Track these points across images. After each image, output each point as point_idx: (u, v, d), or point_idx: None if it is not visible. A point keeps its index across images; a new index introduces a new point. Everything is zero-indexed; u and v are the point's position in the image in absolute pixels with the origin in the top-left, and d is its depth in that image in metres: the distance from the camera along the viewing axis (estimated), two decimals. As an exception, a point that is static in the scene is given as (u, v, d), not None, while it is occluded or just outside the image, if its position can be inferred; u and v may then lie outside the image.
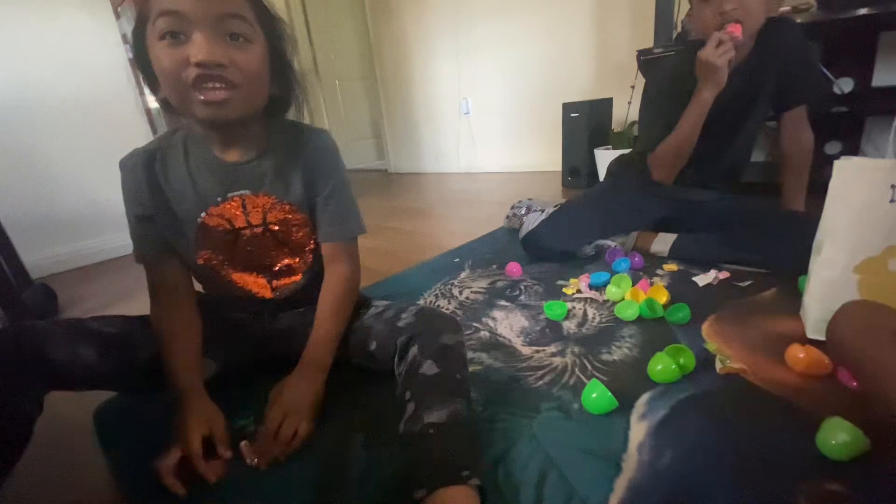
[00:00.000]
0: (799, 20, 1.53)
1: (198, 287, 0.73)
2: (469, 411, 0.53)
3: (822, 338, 0.69)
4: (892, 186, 0.66)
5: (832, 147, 1.79)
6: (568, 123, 2.13)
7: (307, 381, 0.63)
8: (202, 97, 0.52)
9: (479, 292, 1.08)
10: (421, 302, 1.06)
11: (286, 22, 0.62)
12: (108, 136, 1.73)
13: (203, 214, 0.63)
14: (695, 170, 1.10)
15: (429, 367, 0.56)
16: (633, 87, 2.07)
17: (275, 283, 0.71)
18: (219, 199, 0.63)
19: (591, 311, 0.92)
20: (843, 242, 0.69)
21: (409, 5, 3.07)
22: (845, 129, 1.74)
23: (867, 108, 1.60)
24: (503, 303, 1.01)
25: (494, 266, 1.23)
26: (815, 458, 0.50)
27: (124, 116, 1.77)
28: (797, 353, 0.64)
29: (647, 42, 1.87)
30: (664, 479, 0.50)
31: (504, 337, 0.86)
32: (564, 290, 1.03)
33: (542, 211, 1.27)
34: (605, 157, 2.01)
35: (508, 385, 0.71)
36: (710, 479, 0.49)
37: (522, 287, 1.08)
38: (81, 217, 1.72)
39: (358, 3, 3.50)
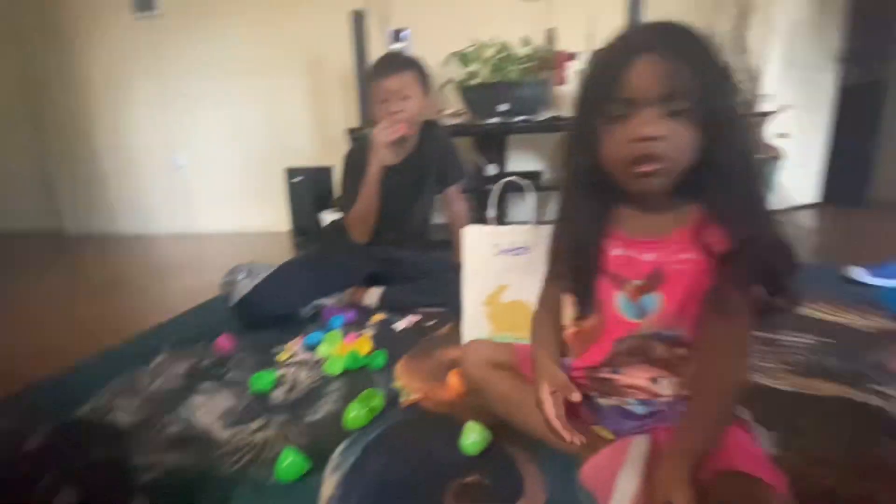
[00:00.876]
0: (456, 122, 2.08)
1: None
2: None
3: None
4: (496, 244, 0.95)
5: (491, 212, 2.45)
6: (293, 187, 2.18)
7: None
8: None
9: (176, 378, 0.93)
10: (87, 408, 0.83)
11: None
12: None
13: None
14: (389, 233, 1.32)
15: (66, 496, 0.44)
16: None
17: None
18: None
19: (302, 374, 0.93)
20: (474, 285, 0.95)
21: (88, 42, 2.58)
22: (501, 199, 2.43)
23: (506, 185, 2.29)
24: (207, 384, 0.90)
25: (202, 343, 1.10)
26: (459, 458, 0.64)
27: None
28: (453, 377, 0.82)
29: (357, 122, 2.14)
30: (347, 525, 0.54)
31: (200, 426, 0.76)
32: (278, 357, 1.01)
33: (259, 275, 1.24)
34: (329, 220, 2.13)
35: (197, 483, 0.63)
36: (385, 508, 0.56)
37: (233, 362, 1.00)
38: None
39: (10, 33, 2.70)
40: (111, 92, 2.66)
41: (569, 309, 0.61)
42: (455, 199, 1.43)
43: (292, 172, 2.17)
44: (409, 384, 0.85)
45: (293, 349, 1.03)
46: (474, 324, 0.95)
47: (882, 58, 3.34)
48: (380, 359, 0.94)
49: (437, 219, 1.51)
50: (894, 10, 3.16)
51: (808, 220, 2.53)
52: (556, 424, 0.54)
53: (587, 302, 0.56)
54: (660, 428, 0.52)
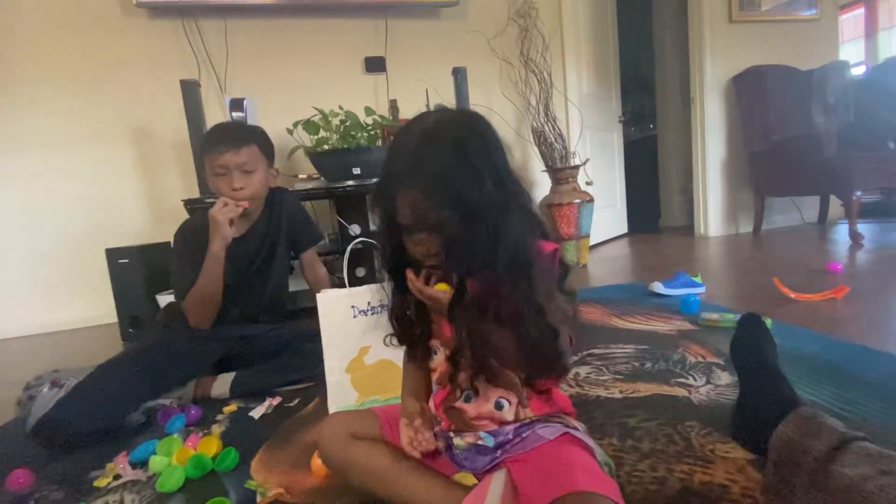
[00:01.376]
0: (311, 185, 2.07)
1: None
2: None
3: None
4: (353, 307, 0.94)
5: (360, 271, 2.43)
6: (117, 269, 1.87)
7: None
8: None
9: (-73, 552, 0.68)
10: None
11: None
12: None
13: None
14: (239, 308, 1.21)
15: None
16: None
17: None
18: None
19: (129, 498, 0.76)
20: (335, 351, 0.91)
21: None
22: (364, 259, 2.43)
23: (370, 244, 2.32)
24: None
25: (-23, 490, 0.82)
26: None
27: None
28: (316, 461, 0.75)
29: (196, 192, 1.97)
30: None
31: None
32: (97, 483, 0.81)
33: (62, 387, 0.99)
34: (165, 302, 1.87)
35: None
36: None
37: (34, 501, 0.77)
38: None
39: None
40: None
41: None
42: (314, 262, 1.40)
43: (114, 253, 1.86)
44: (266, 480, 0.76)
45: (116, 469, 0.83)
46: (340, 394, 0.90)
47: (650, 120, 4.39)
48: (230, 458, 0.81)
49: (294, 286, 1.45)
50: (652, 84, 4.22)
51: (621, 247, 3.09)
52: (408, 449, 0.58)
53: (424, 351, 0.62)
54: (510, 460, 0.56)
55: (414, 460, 0.62)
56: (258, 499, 0.70)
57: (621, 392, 0.93)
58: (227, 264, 1.17)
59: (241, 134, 1.21)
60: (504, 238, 0.51)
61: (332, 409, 0.91)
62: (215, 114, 2.11)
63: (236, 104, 1.85)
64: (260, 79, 2.33)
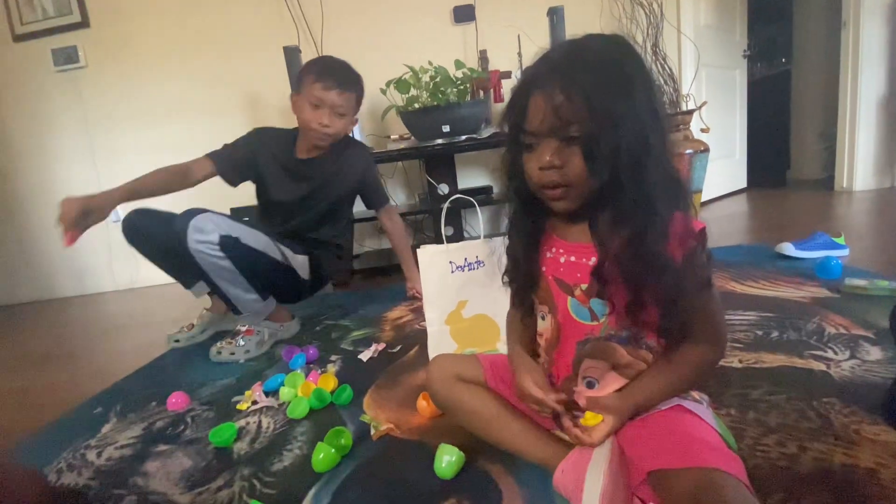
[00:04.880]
0: (403, 146, 2.11)
1: None
2: None
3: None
4: (451, 262, 0.96)
5: (448, 231, 2.47)
6: (241, 227, 2.11)
7: None
8: None
9: (128, 445, 0.87)
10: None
11: None
12: None
13: None
14: (286, 226, 1.37)
15: None
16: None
17: None
18: None
19: (265, 422, 0.88)
20: (434, 304, 0.95)
21: (7, 97, 2.44)
22: (451, 218, 2.46)
23: (458, 203, 2.33)
24: (162, 447, 0.84)
25: (154, 403, 1.03)
26: (436, 483, 0.63)
27: None
28: (421, 401, 0.81)
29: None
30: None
31: (158, 493, 0.71)
32: (239, 406, 0.96)
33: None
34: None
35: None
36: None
37: (189, 419, 0.94)
38: None
39: None
40: (38, 146, 2.50)
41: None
42: (391, 213, 1.50)
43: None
44: (377, 416, 0.83)
45: (253, 396, 0.98)
46: (439, 344, 0.94)
47: (782, 53, 3.70)
48: (345, 394, 0.91)
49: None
50: (788, 11, 3.52)
51: (738, 204, 2.73)
52: (549, 402, 0.55)
53: (527, 304, 0.60)
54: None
55: (517, 410, 0.63)
56: (372, 431, 0.78)
57: (741, 362, 0.85)
58: (280, 179, 1.32)
59: (350, 78, 1.28)
60: (654, 156, 0.45)
61: (431, 356, 0.95)
62: (314, 78, 2.21)
63: (333, 67, 1.91)
64: (354, 40, 2.37)
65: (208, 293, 1.41)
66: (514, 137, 0.52)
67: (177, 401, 0.99)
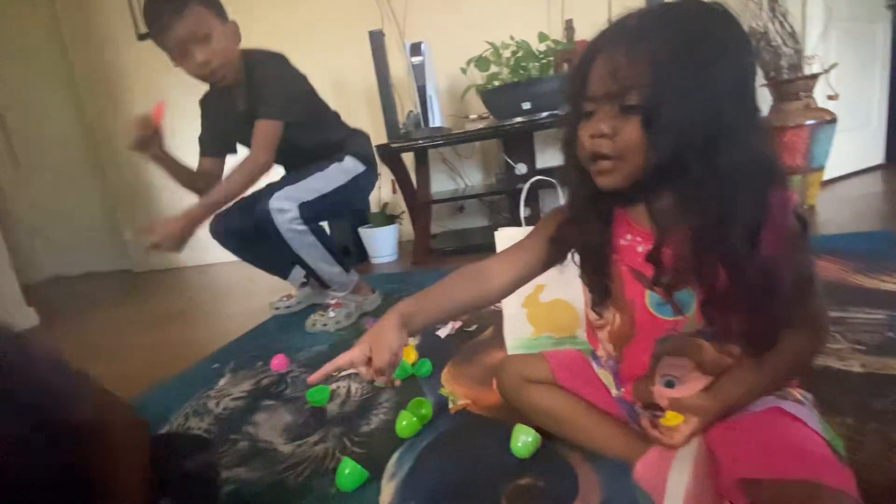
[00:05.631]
0: (481, 125, 2.09)
1: None
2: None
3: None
4: (530, 244, 0.95)
5: (526, 211, 2.43)
6: (329, 207, 2.27)
7: None
8: None
9: (240, 398, 1.00)
10: (164, 430, 0.91)
11: None
12: None
13: None
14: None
15: None
16: (379, 175, 2.37)
17: None
18: None
19: (354, 386, 0.96)
20: (512, 288, 0.95)
21: (136, 88, 2.82)
22: (529, 199, 2.40)
23: (537, 183, 2.27)
24: (268, 402, 0.96)
25: (260, 363, 1.16)
26: (512, 461, 0.65)
27: None
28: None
29: (384, 138, 2.20)
30: (407, 531, 0.56)
31: (265, 441, 0.82)
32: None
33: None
34: (368, 235, 2.20)
35: (266, 495, 0.67)
36: (442, 513, 0.58)
37: (289, 379, 1.06)
38: None
39: (65, 81, 2.98)
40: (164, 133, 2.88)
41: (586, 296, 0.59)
42: (257, 142, 1.21)
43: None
44: (455, 391, 0.87)
45: (343, 363, 1.07)
46: (515, 326, 0.95)
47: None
48: (426, 367, 0.96)
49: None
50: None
51: (871, 184, 2.33)
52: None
53: (603, 294, 0.55)
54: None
55: (591, 405, 0.62)
56: (450, 405, 0.82)
57: (864, 366, 0.75)
58: (237, 130, 1.30)
59: (170, 7, 1.07)
60: (731, 138, 0.40)
61: (507, 338, 0.97)
62: (397, 60, 2.26)
63: (415, 48, 1.94)
64: (437, 21, 2.37)
65: (304, 277, 1.53)
66: (574, 106, 0.48)
67: (279, 362, 1.11)
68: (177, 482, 0.52)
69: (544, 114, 1.96)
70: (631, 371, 0.56)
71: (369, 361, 0.53)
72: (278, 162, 1.32)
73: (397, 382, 0.55)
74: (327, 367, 0.54)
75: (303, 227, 1.23)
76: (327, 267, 1.32)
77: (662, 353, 0.52)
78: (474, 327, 1.17)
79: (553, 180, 1.01)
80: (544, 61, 1.90)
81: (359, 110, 2.57)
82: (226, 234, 1.41)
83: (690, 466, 0.47)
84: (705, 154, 0.40)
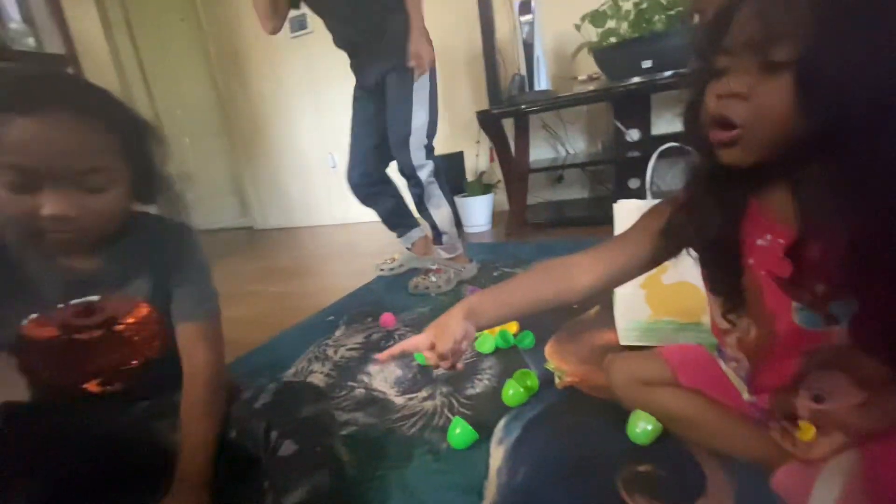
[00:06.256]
0: (591, 87, 1.94)
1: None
2: (335, 480, 0.53)
3: (629, 343, 0.87)
4: (653, 220, 0.87)
5: (633, 183, 2.24)
6: (428, 174, 2.30)
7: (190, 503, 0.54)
8: (51, 237, 0.50)
9: (355, 349, 1.09)
10: (292, 370, 1.02)
11: (150, 124, 0.58)
12: None
13: (30, 319, 0.55)
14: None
15: (287, 448, 0.55)
16: (478, 142, 2.35)
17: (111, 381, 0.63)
18: (59, 305, 0.56)
19: (457, 351, 0.99)
20: (630, 265, 0.88)
21: (259, 62, 3.07)
22: (640, 169, 2.21)
23: (649, 152, 2.07)
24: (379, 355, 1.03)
25: (370, 319, 1.25)
26: (628, 446, 0.62)
27: None
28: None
29: (485, 104, 2.15)
30: (518, 496, 0.57)
31: (379, 391, 0.88)
32: (434, 333, 1.10)
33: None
34: (463, 204, 2.21)
35: (383, 439, 0.73)
36: (553, 485, 0.58)
37: (397, 336, 1.12)
38: None
39: (200, 57, 3.36)
40: (280, 104, 3.12)
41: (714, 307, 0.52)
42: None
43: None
44: (561, 366, 0.85)
45: (446, 327, 1.10)
46: (630, 307, 0.89)
47: None
48: (528, 339, 0.95)
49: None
50: None
51: None
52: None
53: (734, 302, 0.47)
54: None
55: (721, 406, 0.56)
56: (556, 380, 0.80)
57: None
58: None
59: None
60: None
61: (619, 321, 0.91)
62: (503, 21, 2.16)
63: (524, 6, 1.84)
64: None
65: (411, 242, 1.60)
66: (705, 60, 0.40)
67: (387, 320, 1.18)
68: (297, 426, 0.57)
69: (667, 73, 1.75)
70: (767, 381, 0.49)
71: (434, 347, 0.54)
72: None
73: (460, 366, 0.54)
74: (395, 349, 0.58)
75: (434, 181, 1.35)
76: (448, 225, 1.42)
77: (812, 367, 0.44)
78: (576, 305, 1.13)
79: (689, 147, 0.90)
80: (672, 13, 1.68)
81: (459, 76, 2.53)
82: (359, 188, 1.50)
83: (841, 483, 0.41)
84: (877, 130, 0.32)
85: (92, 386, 0.62)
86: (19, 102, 0.46)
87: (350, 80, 1.75)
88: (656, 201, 0.82)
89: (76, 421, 0.61)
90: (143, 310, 0.61)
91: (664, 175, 2.13)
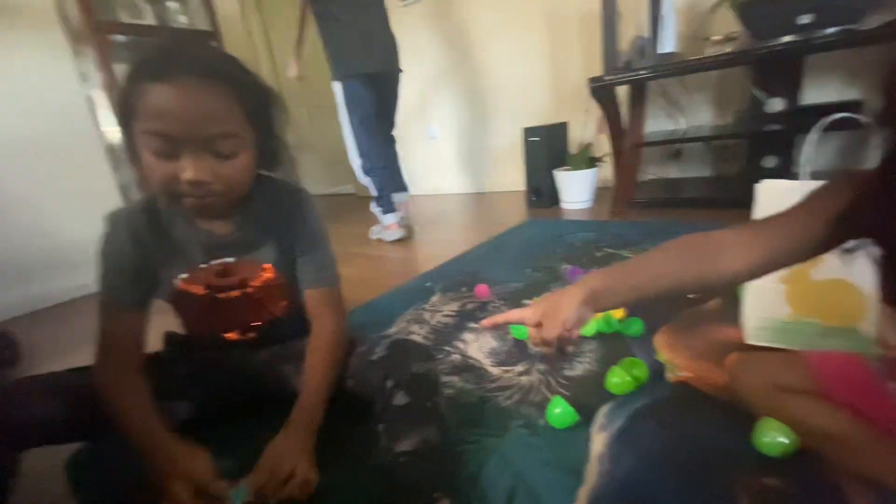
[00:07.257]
0: (727, 49, 1.69)
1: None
2: (441, 436, 0.55)
3: (759, 343, 0.77)
4: (806, 204, 0.74)
5: (769, 161, 1.94)
6: (529, 147, 2.22)
7: (299, 441, 0.58)
8: (189, 202, 0.56)
9: (450, 315, 1.11)
10: (394, 329, 1.08)
11: (275, 94, 0.62)
12: (67, 176, 1.69)
13: (182, 278, 0.65)
14: None
15: (400, 398, 0.58)
16: (586, 111, 2.19)
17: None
18: (201, 265, 0.65)
19: (555, 329, 0.97)
20: (769, 256, 0.77)
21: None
22: (779, 145, 1.90)
23: (798, 125, 1.76)
24: (473, 325, 1.05)
25: (464, 289, 1.27)
26: (752, 455, 0.56)
27: (83, 156, 1.75)
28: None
29: (597, 70, 1.99)
30: (622, 487, 0.54)
31: (474, 359, 0.90)
32: (530, 309, 1.08)
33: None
34: (564, 178, 2.11)
35: (479, 406, 0.74)
36: (662, 483, 0.54)
37: (491, 308, 1.12)
38: (33, 259, 1.66)
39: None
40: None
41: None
42: None
43: (530, 131, 2.20)
44: (674, 360, 0.78)
45: (543, 304, 1.08)
46: (764, 302, 0.78)
47: None
48: (636, 326, 0.89)
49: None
50: None
51: None
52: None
53: None
54: None
55: (880, 429, 0.47)
56: (668, 372, 0.74)
57: None
58: None
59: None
60: None
61: (748, 317, 0.81)
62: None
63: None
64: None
65: None
66: None
67: (482, 291, 1.19)
68: (409, 381, 0.60)
69: (831, 30, 1.46)
70: None
71: (540, 325, 0.50)
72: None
73: (570, 349, 0.50)
74: (499, 317, 0.56)
75: None
76: None
77: None
78: (694, 294, 1.02)
79: (862, 118, 0.75)
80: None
81: (570, 42, 2.37)
82: None
83: None
84: None
85: (231, 335, 0.72)
86: (159, 71, 0.50)
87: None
88: (811, 183, 0.71)
89: (219, 357, 0.72)
90: (269, 273, 0.68)
91: (812, 154, 1.83)
